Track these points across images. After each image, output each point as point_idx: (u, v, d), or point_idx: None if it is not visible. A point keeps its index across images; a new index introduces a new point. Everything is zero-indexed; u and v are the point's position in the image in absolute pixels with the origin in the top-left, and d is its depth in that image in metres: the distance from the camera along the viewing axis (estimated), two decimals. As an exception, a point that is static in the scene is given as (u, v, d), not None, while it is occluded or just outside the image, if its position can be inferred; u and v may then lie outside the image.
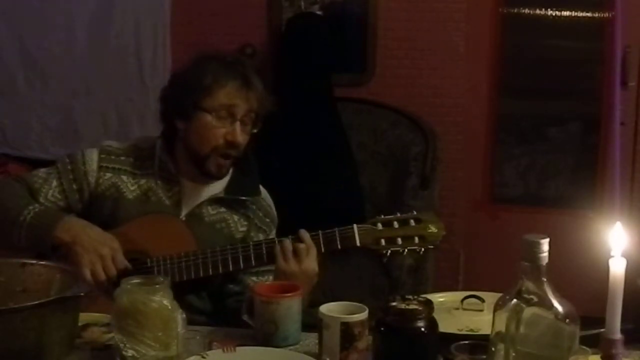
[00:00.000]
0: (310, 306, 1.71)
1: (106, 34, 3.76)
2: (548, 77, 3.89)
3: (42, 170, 2.12)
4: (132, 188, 2.08)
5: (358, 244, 1.95)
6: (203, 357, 1.59)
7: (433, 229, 1.97)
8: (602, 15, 3.70)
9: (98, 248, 1.88)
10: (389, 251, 1.96)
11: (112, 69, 3.77)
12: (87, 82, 3.79)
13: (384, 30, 3.77)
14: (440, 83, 3.77)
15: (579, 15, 3.78)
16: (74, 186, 2.07)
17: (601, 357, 1.31)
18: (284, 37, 3.71)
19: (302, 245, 1.93)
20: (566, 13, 3.78)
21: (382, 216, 1.98)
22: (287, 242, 1.94)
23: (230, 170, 2.13)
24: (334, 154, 3.49)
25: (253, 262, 1.97)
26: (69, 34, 3.78)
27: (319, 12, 3.76)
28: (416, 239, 1.96)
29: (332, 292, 3.06)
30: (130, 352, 1.48)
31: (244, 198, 2.12)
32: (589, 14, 3.77)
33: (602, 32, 3.66)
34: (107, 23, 3.76)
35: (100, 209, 2.07)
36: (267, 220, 2.16)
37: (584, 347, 1.33)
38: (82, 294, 1.50)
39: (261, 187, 2.19)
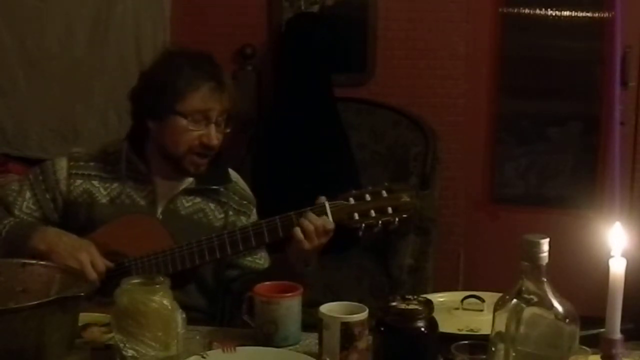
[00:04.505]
0: (310, 306, 1.71)
1: (106, 34, 3.76)
2: (548, 77, 3.89)
3: (16, 183, 2.13)
4: (104, 193, 2.08)
5: (331, 220, 1.93)
6: (203, 357, 1.59)
7: (406, 198, 1.95)
8: (602, 15, 3.70)
9: (75, 254, 1.87)
10: (363, 225, 1.94)
11: (112, 68, 3.77)
12: (87, 82, 3.79)
13: (384, 30, 3.77)
14: (440, 83, 3.77)
15: (579, 15, 3.78)
16: (47, 196, 2.09)
17: (601, 357, 1.31)
18: (284, 37, 3.70)
19: (319, 223, 1.92)
20: (566, 13, 3.78)
21: (354, 191, 1.97)
22: (307, 223, 1.92)
23: None
24: (334, 154, 3.49)
25: (240, 247, 1.98)
26: (69, 34, 3.78)
27: (318, 13, 3.77)
28: (389, 210, 1.93)
29: (332, 292, 3.08)
30: (130, 352, 1.48)
31: (215, 187, 2.13)
32: (589, 14, 3.77)
33: (602, 32, 3.66)
34: (107, 23, 3.76)
35: (75, 216, 2.08)
36: (245, 202, 2.17)
37: (584, 347, 1.33)
38: (82, 294, 1.50)
39: (231, 171, 2.19)
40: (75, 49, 3.79)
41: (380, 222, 1.94)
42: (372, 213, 1.94)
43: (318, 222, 1.92)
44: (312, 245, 1.93)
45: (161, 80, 2.03)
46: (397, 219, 1.94)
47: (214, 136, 2.02)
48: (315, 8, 3.77)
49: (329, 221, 1.93)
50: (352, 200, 1.95)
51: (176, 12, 3.80)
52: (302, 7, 3.77)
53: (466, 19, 3.74)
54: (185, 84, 2.00)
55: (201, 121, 2.01)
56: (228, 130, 2.07)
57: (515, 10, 3.84)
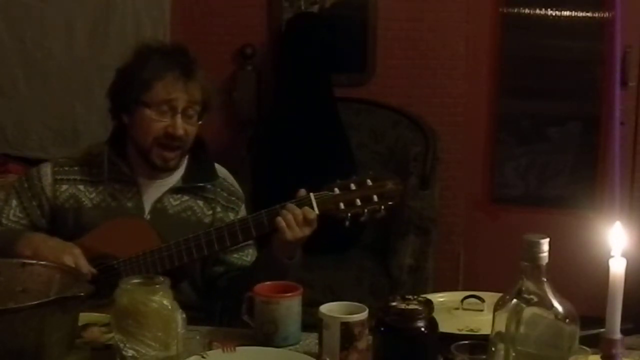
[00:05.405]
0: (310, 306, 1.71)
1: (106, 34, 3.77)
2: (548, 77, 3.89)
3: (2, 192, 2.16)
4: (90, 197, 2.09)
5: (317, 211, 1.93)
6: (203, 357, 1.59)
7: (391, 185, 1.94)
8: (602, 15, 3.70)
9: (60, 257, 1.87)
10: (349, 215, 1.93)
11: (113, 69, 3.76)
12: (87, 82, 3.79)
13: (384, 30, 3.78)
14: (440, 83, 3.78)
15: (579, 15, 3.78)
16: (34, 202, 2.09)
17: (601, 357, 1.31)
18: (284, 37, 3.71)
19: (297, 212, 1.92)
20: (566, 13, 3.78)
21: (339, 181, 1.96)
22: (289, 216, 1.92)
23: (185, 160, 2.13)
24: (334, 154, 3.49)
25: (227, 242, 1.97)
26: (69, 34, 3.78)
27: (318, 13, 3.77)
28: (375, 198, 1.92)
29: (332, 292, 3.08)
30: (130, 352, 1.48)
31: (201, 184, 2.12)
32: (589, 14, 3.77)
33: (602, 32, 3.66)
34: (107, 23, 3.77)
35: (64, 222, 2.08)
36: (233, 198, 2.16)
37: (584, 347, 1.33)
38: (82, 294, 1.50)
39: (219, 167, 2.19)
40: (75, 49, 3.79)
41: (366, 210, 1.92)
42: (358, 202, 1.92)
43: (297, 210, 1.92)
44: (295, 235, 1.92)
45: (130, 73, 2.05)
46: (383, 207, 1.93)
47: (179, 126, 2.01)
48: (315, 8, 3.77)
49: (309, 210, 1.92)
50: (337, 190, 1.94)
51: (176, 12, 3.80)
52: (302, 7, 3.78)
53: (466, 19, 3.74)
54: (150, 74, 2.01)
55: (167, 112, 2.01)
56: (200, 122, 2.07)
57: (515, 10, 3.84)
